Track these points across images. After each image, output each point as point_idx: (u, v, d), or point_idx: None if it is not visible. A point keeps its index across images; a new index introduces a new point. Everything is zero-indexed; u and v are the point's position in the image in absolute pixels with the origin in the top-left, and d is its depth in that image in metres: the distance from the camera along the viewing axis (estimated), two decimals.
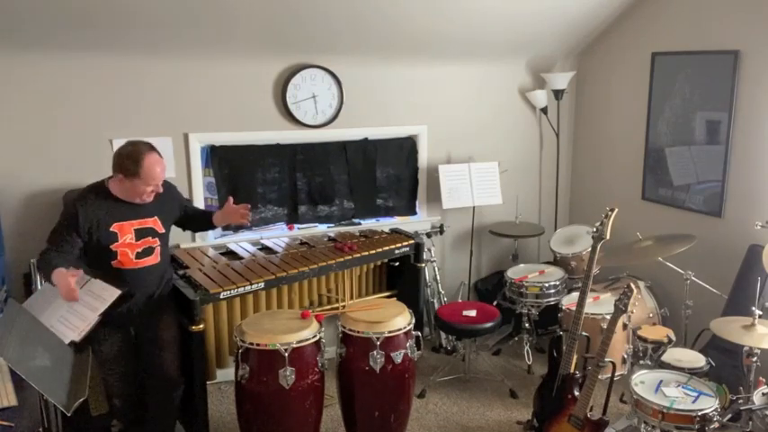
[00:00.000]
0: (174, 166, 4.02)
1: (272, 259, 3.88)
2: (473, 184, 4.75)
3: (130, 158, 2.94)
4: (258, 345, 3.11)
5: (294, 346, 3.14)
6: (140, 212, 3.10)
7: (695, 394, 3.06)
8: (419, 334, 3.53)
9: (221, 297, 3.46)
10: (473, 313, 4.15)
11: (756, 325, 3.11)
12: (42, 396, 2.39)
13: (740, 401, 3.07)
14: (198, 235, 4.15)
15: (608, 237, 3.20)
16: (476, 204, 4.78)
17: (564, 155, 5.29)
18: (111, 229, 3.02)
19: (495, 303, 4.51)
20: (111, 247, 3.03)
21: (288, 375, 3.11)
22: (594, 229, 3.25)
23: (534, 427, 3.44)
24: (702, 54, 4.15)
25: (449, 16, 4.14)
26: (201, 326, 3.33)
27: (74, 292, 2.77)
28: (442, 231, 4.77)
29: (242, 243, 4.19)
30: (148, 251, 3.14)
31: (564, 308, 4.10)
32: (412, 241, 4.27)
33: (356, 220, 4.66)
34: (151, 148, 3.02)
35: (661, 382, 3.18)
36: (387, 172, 4.73)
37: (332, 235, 4.38)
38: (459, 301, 4.85)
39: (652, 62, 4.49)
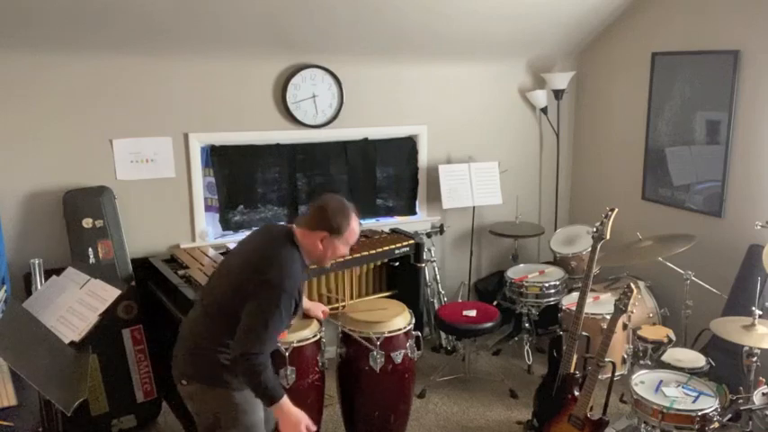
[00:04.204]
0: (174, 166, 4.02)
1: None
2: (473, 184, 4.75)
3: (341, 213, 2.56)
4: None
5: (294, 345, 3.14)
6: None
7: (695, 394, 3.06)
8: (419, 334, 3.53)
9: None
10: (473, 313, 4.15)
11: (756, 325, 3.11)
12: (42, 396, 2.39)
13: (740, 401, 3.06)
14: (198, 234, 4.15)
15: (608, 237, 3.20)
16: (476, 204, 4.78)
17: (564, 155, 5.29)
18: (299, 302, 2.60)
19: (495, 303, 4.51)
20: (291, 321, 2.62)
21: (288, 375, 3.11)
22: (594, 229, 3.25)
23: (534, 427, 3.44)
24: (702, 54, 4.15)
25: (449, 16, 4.14)
26: None
27: None
28: (441, 231, 4.77)
29: None
30: None
31: (564, 308, 4.10)
32: (412, 241, 4.27)
33: None
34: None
35: (661, 382, 3.18)
36: (387, 172, 4.74)
37: None
38: (459, 301, 4.85)
39: (652, 62, 4.48)
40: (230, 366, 2.47)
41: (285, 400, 2.45)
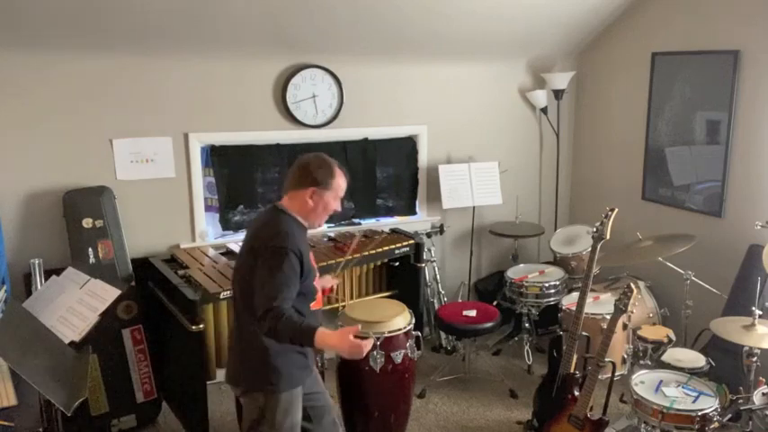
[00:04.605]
0: (174, 166, 4.02)
1: None
2: (473, 184, 4.75)
3: (322, 167, 2.59)
4: None
5: None
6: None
7: (695, 394, 3.06)
8: (419, 334, 3.53)
9: (221, 297, 3.46)
10: (473, 313, 4.15)
11: (756, 325, 3.11)
12: (42, 396, 2.39)
13: (740, 401, 3.06)
14: (198, 234, 4.15)
15: (608, 237, 3.20)
16: (476, 204, 4.78)
17: (564, 155, 5.29)
18: (312, 263, 2.62)
19: (495, 303, 4.51)
20: (315, 283, 2.65)
21: None
22: (594, 229, 3.25)
23: (534, 427, 3.44)
24: (702, 54, 4.15)
25: (449, 16, 4.14)
26: (201, 326, 3.33)
27: (361, 348, 2.40)
28: (441, 231, 4.77)
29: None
30: None
31: (564, 308, 4.10)
32: (412, 241, 4.27)
33: (356, 220, 4.66)
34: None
35: (661, 382, 3.18)
36: (387, 172, 4.74)
37: (332, 235, 4.38)
38: (459, 301, 4.85)
39: (652, 62, 4.48)
40: (274, 359, 2.53)
41: (321, 331, 2.39)
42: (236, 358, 2.69)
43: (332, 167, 2.60)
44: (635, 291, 3.01)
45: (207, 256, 3.96)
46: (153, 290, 3.79)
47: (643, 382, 3.19)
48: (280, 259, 2.41)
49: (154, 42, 3.73)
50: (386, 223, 4.71)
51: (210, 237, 4.23)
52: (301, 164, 2.61)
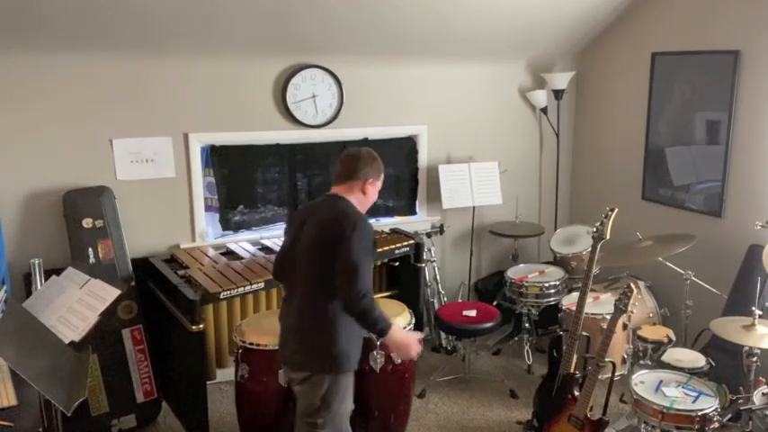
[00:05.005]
0: (174, 166, 4.02)
1: (272, 259, 3.87)
2: (473, 184, 4.75)
3: (376, 160, 2.77)
4: (258, 345, 3.11)
5: None
6: None
7: (695, 394, 3.06)
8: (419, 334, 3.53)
9: (221, 297, 3.47)
10: (473, 313, 4.15)
11: (756, 325, 3.11)
12: (42, 396, 2.39)
13: (740, 401, 3.06)
14: (198, 235, 4.15)
15: (608, 237, 3.20)
16: (476, 204, 4.78)
17: (564, 155, 5.28)
18: None
19: (495, 303, 4.51)
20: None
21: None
22: (594, 229, 3.25)
23: (534, 427, 3.44)
24: (702, 54, 4.15)
25: (449, 16, 4.14)
26: (201, 326, 3.33)
27: (413, 352, 2.75)
28: (441, 231, 4.77)
29: (242, 243, 4.20)
30: None
31: (564, 308, 4.10)
32: (412, 241, 4.27)
33: None
34: None
35: (661, 382, 3.18)
36: (386, 172, 4.68)
37: None
38: (459, 301, 4.85)
39: (652, 62, 4.48)
40: (342, 335, 2.63)
41: (396, 326, 2.66)
42: (300, 344, 2.71)
43: (380, 163, 2.78)
44: (635, 291, 3.01)
45: (207, 256, 3.96)
46: (153, 290, 3.79)
47: (643, 382, 3.19)
48: (367, 241, 2.58)
49: (154, 43, 3.72)
50: (386, 223, 4.71)
51: (210, 237, 4.23)
52: (355, 156, 2.73)
